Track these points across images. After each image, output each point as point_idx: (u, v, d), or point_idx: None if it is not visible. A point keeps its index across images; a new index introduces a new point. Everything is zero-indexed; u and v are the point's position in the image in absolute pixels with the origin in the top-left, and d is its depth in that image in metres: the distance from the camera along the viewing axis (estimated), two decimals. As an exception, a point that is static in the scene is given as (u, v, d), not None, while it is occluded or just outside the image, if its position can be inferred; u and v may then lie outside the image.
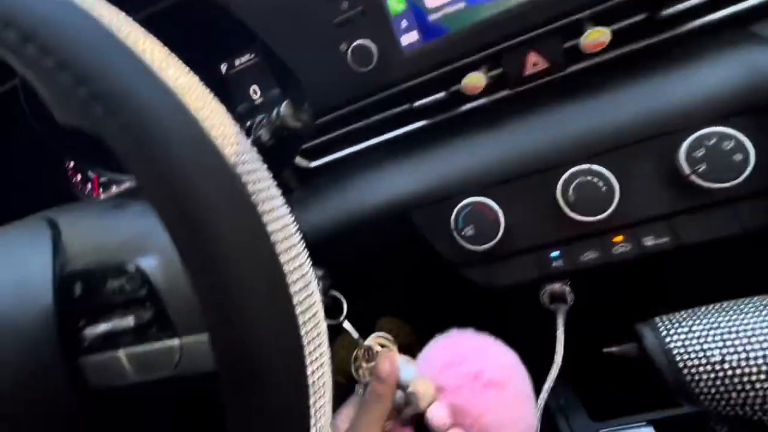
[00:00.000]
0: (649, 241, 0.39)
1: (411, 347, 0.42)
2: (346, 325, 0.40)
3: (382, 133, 0.49)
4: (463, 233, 0.42)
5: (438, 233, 0.45)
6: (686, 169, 0.36)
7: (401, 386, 0.34)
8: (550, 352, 0.45)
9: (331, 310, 0.41)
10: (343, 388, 0.40)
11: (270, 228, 0.20)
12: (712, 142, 0.36)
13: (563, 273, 0.41)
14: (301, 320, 0.20)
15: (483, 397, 0.32)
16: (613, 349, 0.51)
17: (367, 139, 0.50)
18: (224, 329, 0.18)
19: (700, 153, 0.36)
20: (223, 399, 0.19)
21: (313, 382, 0.21)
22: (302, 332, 0.20)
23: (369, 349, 0.38)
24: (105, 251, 0.25)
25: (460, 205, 0.43)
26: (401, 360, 0.37)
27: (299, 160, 0.53)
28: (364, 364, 0.39)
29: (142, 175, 0.18)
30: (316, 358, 0.21)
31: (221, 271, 0.17)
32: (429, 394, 0.32)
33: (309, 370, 0.20)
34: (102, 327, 0.23)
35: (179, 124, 0.19)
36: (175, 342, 0.21)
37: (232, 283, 0.17)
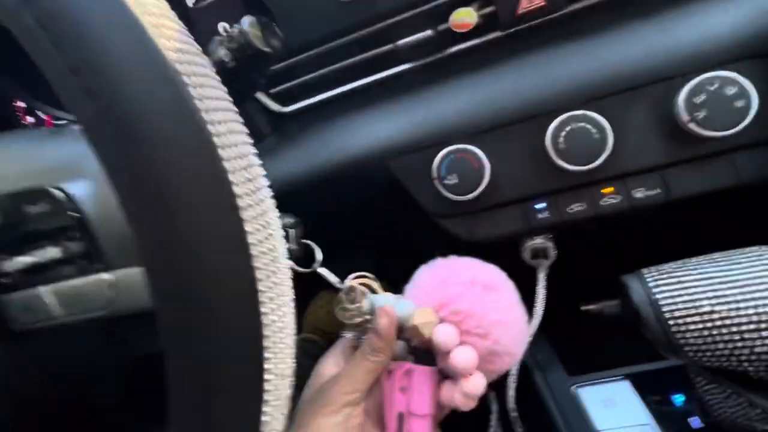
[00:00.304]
0: (639, 193, 0.37)
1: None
2: (321, 270, 0.37)
3: (362, 77, 0.46)
4: (445, 182, 0.40)
5: (419, 183, 0.42)
6: (685, 116, 0.34)
7: (401, 325, 0.33)
8: (529, 309, 0.44)
9: (304, 260, 0.38)
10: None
11: (219, 141, 0.17)
12: (713, 87, 0.33)
13: (549, 226, 0.39)
14: (255, 250, 0.17)
15: (484, 299, 0.32)
16: (591, 306, 0.50)
17: (346, 82, 0.46)
18: (160, 254, 0.15)
19: (700, 99, 0.33)
20: (162, 342, 0.16)
21: (271, 322, 0.19)
22: (256, 263, 0.17)
23: (351, 289, 0.36)
24: (30, 176, 0.21)
25: (444, 152, 0.40)
26: (393, 299, 0.35)
27: (272, 104, 0.49)
28: (348, 306, 0.36)
29: (56, 69, 0.15)
30: (274, 297, 0.19)
31: (149, 178, 0.14)
32: (431, 321, 0.31)
33: (264, 309, 0.18)
34: (24, 260, 0.20)
35: (104, 6, 0.15)
36: (107, 276, 0.18)
37: (167, 196, 0.14)
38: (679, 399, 0.37)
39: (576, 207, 0.39)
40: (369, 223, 0.50)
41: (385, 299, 0.34)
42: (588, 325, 0.48)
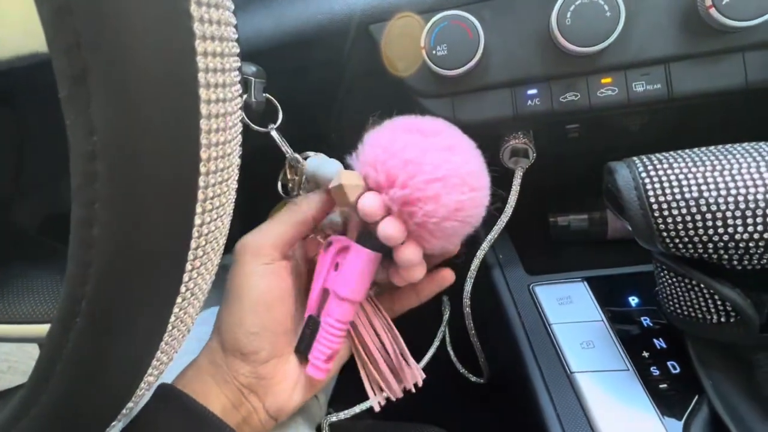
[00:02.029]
0: (639, 87, 0.34)
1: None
2: (274, 134, 0.33)
3: None
4: (434, 53, 0.35)
5: (403, 54, 0.37)
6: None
7: (325, 186, 0.30)
8: (498, 210, 0.42)
9: (262, 117, 0.34)
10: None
11: None
12: (745, -31, 0.30)
13: (538, 114, 0.36)
14: (204, 80, 0.13)
15: (402, 143, 0.27)
16: (559, 218, 0.50)
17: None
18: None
19: (728, -20, 0.30)
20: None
21: (208, 185, 0.15)
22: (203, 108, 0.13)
23: (296, 161, 0.33)
24: None
25: (435, 18, 0.35)
26: (321, 157, 0.32)
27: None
28: (293, 177, 0.33)
29: None
30: (217, 143, 0.15)
31: None
32: (355, 184, 0.27)
33: (205, 155, 0.14)
34: None
35: None
36: None
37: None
38: (633, 301, 0.37)
39: (570, 96, 0.36)
40: (341, 108, 0.45)
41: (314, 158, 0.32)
42: (554, 236, 0.48)
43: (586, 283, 0.39)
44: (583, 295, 0.38)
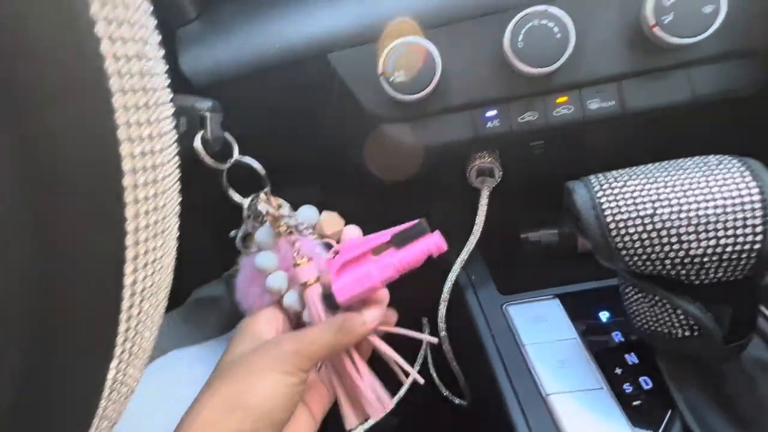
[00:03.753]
0: (594, 104, 0.35)
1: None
2: (248, 159, 0.33)
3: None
4: (392, 79, 0.35)
5: (362, 81, 0.38)
6: (651, 19, 0.31)
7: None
8: (469, 231, 0.42)
9: (219, 154, 0.33)
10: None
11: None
12: (685, -12, 0.31)
13: (498, 135, 0.37)
14: (120, 100, 0.13)
15: None
16: (531, 234, 0.50)
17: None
18: None
19: (670, 1, 0.31)
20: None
21: (142, 226, 0.15)
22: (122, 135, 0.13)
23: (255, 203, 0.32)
24: None
25: (392, 45, 0.35)
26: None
27: (198, -19, 0.42)
28: (272, 201, 0.32)
29: None
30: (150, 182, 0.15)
31: None
32: (338, 221, 0.29)
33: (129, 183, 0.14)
34: None
35: None
36: None
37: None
38: (604, 316, 0.37)
39: (527, 116, 0.36)
40: (305, 137, 0.45)
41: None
42: (525, 252, 0.48)
43: (558, 300, 0.39)
44: (556, 313, 0.38)
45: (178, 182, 0.18)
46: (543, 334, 0.36)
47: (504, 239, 0.48)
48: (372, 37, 0.37)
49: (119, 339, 0.15)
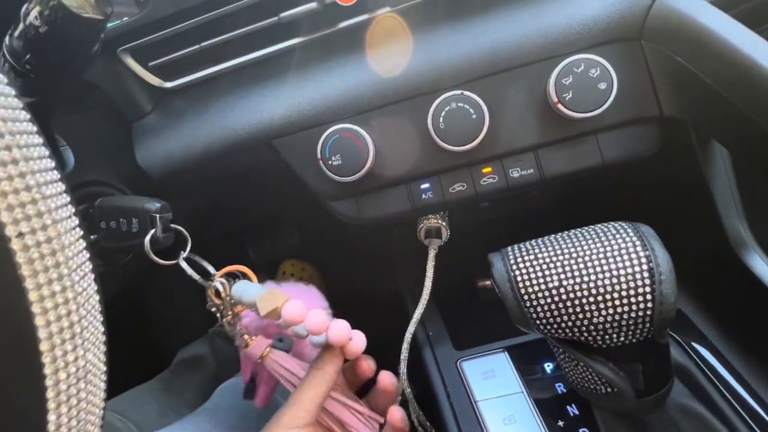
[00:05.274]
0: (515, 173, 0.38)
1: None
2: (183, 264, 0.35)
3: (248, 52, 0.43)
4: (330, 163, 0.38)
5: (305, 164, 0.41)
6: (554, 96, 0.35)
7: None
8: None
9: (174, 249, 0.36)
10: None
11: None
12: (580, 69, 0.34)
13: (433, 206, 0.40)
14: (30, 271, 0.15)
15: None
16: (487, 283, 0.52)
17: (232, 58, 0.43)
18: None
19: (568, 80, 0.34)
20: None
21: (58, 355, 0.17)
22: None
23: (215, 289, 0.34)
24: None
25: (327, 132, 0.38)
26: (243, 284, 0.34)
27: (151, 78, 0.45)
28: (214, 299, 0.34)
29: None
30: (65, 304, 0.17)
31: None
32: (276, 298, 0.31)
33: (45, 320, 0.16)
34: None
35: None
36: None
37: None
38: (548, 367, 0.39)
39: (458, 187, 0.39)
40: (259, 210, 0.48)
41: (244, 285, 0.33)
42: (481, 300, 0.50)
43: (506, 353, 0.41)
44: (504, 367, 0.40)
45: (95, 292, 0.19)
46: (493, 389, 0.38)
47: (462, 289, 0.51)
48: (310, 123, 0.40)
49: None
